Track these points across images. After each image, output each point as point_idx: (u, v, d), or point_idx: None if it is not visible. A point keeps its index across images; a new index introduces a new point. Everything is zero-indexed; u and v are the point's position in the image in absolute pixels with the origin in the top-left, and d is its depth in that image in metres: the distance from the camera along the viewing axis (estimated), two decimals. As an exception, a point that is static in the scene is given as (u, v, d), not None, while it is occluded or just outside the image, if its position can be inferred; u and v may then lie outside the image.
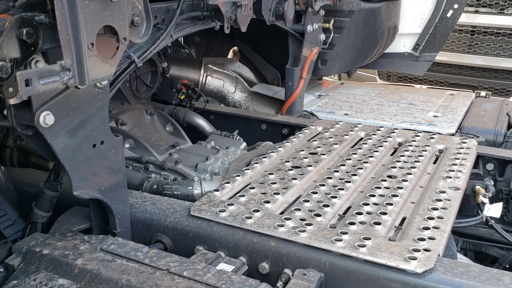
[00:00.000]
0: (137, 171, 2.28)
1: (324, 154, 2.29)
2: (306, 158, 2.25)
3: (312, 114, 3.19)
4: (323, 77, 4.16)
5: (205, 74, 3.47)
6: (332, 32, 3.22)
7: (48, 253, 1.50)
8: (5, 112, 1.36)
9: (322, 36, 3.21)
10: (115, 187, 1.64)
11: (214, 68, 3.52)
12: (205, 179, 2.27)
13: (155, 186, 2.09)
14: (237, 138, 2.77)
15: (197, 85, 3.43)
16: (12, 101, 1.23)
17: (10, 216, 1.92)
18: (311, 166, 2.15)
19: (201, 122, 3.00)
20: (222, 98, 3.49)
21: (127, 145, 2.45)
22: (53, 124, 1.33)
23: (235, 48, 4.29)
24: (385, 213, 1.72)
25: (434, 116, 3.11)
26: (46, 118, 1.31)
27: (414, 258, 1.43)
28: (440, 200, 1.83)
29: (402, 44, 3.99)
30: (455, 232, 2.37)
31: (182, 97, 3.13)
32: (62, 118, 1.37)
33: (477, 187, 2.24)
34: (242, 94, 3.50)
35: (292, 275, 1.49)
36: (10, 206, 1.97)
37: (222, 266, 1.50)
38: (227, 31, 2.09)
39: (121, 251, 1.51)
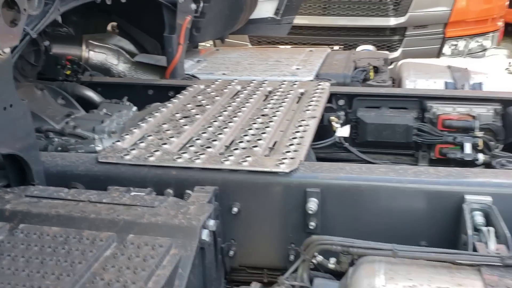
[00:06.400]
0: (39, 140, 2.46)
1: (209, 105, 2.67)
2: (194, 109, 2.61)
3: (193, 76, 3.52)
4: (199, 44, 4.50)
5: (87, 50, 3.62)
6: (202, 2, 3.56)
7: (-25, 206, 1.69)
8: None
9: (193, 6, 3.54)
10: (28, 146, 1.85)
11: (95, 43, 3.68)
12: (104, 139, 2.53)
13: (59, 148, 2.31)
14: (128, 103, 3.02)
15: (81, 61, 3.57)
16: None
17: None
18: (198, 115, 2.53)
19: (90, 93, 3.19)
20: (107, 71, 3.67)
21: (23, 118, 2.59)
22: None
23: (113, 23, 4.43)
24: (260, 139, 2.16)
25: (297, 68, 3.63)
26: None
27: (283, 163, 1.90)
28: (301, 126, 2.32)
29: (265, 10, 4.47)
30: (319, 158, 2.91)
31: (68, 72, 3.27)
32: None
33: (331, 117, 2.80)
34: (125, 65, 3.71)
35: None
36: None
37: (134, 192, 1.82)
38: (109, 2, 2.34)
39: (45, 194, 1.76)
